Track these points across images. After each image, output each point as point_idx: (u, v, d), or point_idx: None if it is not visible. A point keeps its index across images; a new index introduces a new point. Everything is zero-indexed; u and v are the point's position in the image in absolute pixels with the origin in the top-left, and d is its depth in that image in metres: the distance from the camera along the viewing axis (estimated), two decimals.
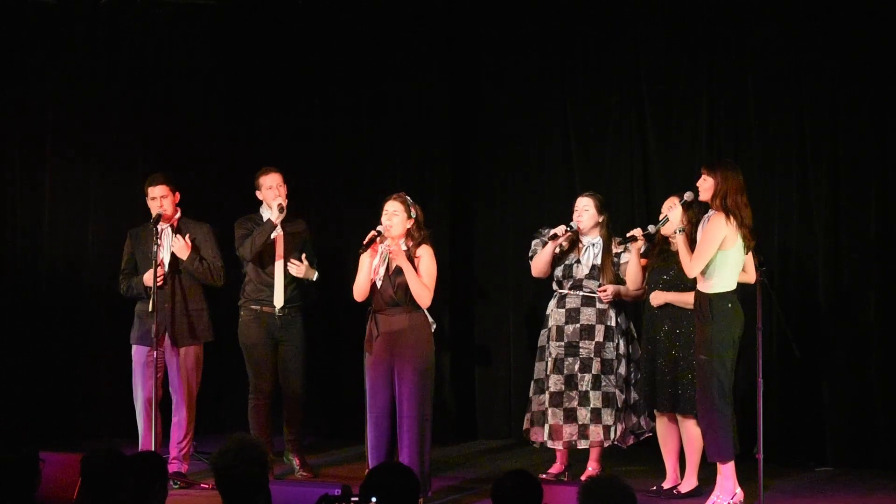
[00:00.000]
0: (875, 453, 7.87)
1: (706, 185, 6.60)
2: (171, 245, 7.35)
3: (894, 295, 7.86)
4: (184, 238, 7.38)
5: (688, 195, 6.76)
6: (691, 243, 6.68)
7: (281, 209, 7.46)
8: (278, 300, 7.59)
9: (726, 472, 6.65)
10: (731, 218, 6.50)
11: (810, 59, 8.03)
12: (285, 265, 7.58)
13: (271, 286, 7.58)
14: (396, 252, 6.74)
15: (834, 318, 7.98)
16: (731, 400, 6.62)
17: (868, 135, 7.92)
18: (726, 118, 8.33)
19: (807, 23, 8.03)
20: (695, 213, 6.81)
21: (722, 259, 6.54)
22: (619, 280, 7.33)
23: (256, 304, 7.62)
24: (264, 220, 7.53)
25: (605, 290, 7.25)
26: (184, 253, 7.35)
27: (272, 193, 7.54)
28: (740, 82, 8.26)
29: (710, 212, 6.61)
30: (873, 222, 7.90)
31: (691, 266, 6.58)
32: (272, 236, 7.51)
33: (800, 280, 8.17)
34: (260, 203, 7.65)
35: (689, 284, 6.86)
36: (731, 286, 6.61)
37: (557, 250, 7.42)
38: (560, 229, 7.35)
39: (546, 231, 7.42)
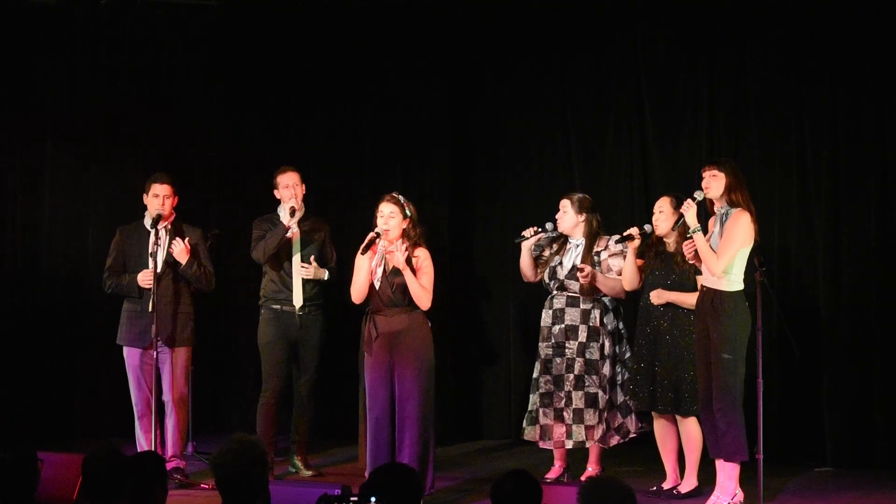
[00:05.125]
0: (875, 453, 7.87)
1: (717, 181, 6.58)
2: (171, 247, 7.32)
3: (894, 295, 7.87)
4: (184, 241, 7.35)
5: (698, 194, 6.73)
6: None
7: (292, 212, 7.45)
8: (297, 299, 7.57)
9: (730, 473, 6.63)
10: (752, 215, 6.51)
11: (810, 59, 8.04)
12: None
13: (291, 286, 7.57)
14: (395, 257, 6.73)
15: (834, 318, 7.97)
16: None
17: (868, 135, 7.92)
18: (726, 118, 8.33)
19: (807, 23, 8.03)
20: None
21: (740, 256, 6.54)
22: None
23: (277, 303, 7.60)
24: (281, 219, 7.51)
25: (583, 270, 7.22)
26: (183, 257, 7.32)
27: (288, 193, 7.53)
28: (740, 82, 8.26)
29: (724, 208, 6.59)
30: (873, 222, 7.90)
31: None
32: (287, 235, 7.51)
33: (800, 280, 8.17)
34: (278, 202, 7.63)
35: (692, 286, 6.86)
36: (743, 285, 6.60)
37: (547, 252, 7.46)
38: (528, 231, 7.40)
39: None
